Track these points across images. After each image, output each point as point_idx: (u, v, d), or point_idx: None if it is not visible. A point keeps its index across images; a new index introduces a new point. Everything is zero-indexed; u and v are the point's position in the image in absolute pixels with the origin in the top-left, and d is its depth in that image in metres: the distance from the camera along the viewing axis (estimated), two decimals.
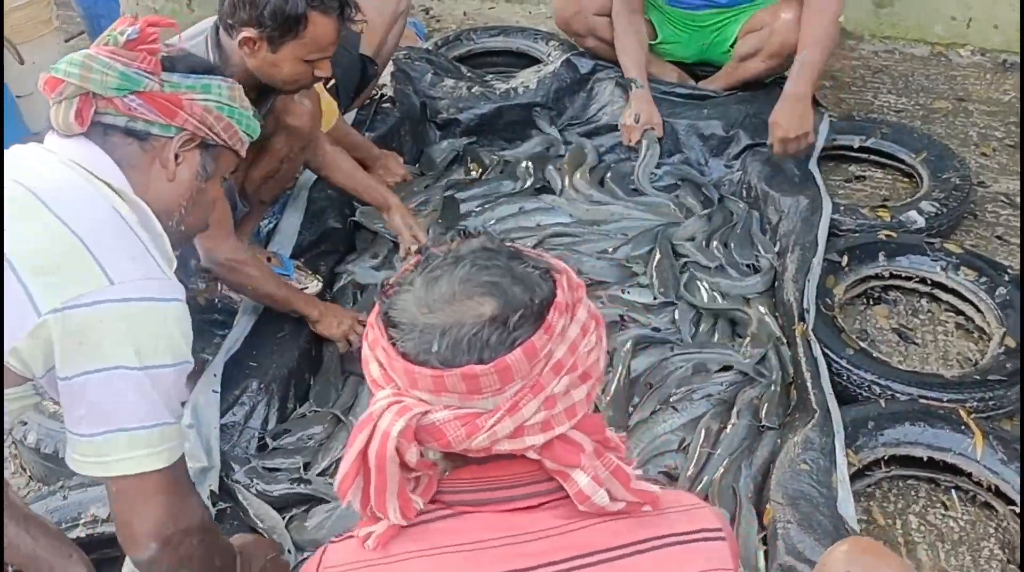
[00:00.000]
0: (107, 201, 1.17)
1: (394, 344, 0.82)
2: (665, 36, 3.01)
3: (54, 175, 1.17)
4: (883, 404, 1.87)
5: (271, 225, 2.36)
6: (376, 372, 0.84)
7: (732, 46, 2.94)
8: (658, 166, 2.73)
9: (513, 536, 0.83)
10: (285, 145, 2.10)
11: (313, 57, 1.83)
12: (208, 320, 2.17)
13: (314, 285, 2.19)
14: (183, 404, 1.34)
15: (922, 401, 1.87)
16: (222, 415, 1.83)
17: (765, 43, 2.76)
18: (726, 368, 2.04)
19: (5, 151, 1.22)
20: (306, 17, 1.75)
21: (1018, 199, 2.66)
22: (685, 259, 2.35)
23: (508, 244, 0.89)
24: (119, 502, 1.16)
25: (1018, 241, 2.51)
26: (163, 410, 1.14)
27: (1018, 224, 2.57)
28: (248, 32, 1.75)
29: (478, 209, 2.59)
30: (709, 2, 2.87)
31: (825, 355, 1.97)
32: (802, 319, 2.05)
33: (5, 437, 1.96)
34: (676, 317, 2.17)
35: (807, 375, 1.91)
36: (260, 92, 1.92)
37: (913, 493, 1.85)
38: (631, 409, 1.94)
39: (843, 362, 1.96)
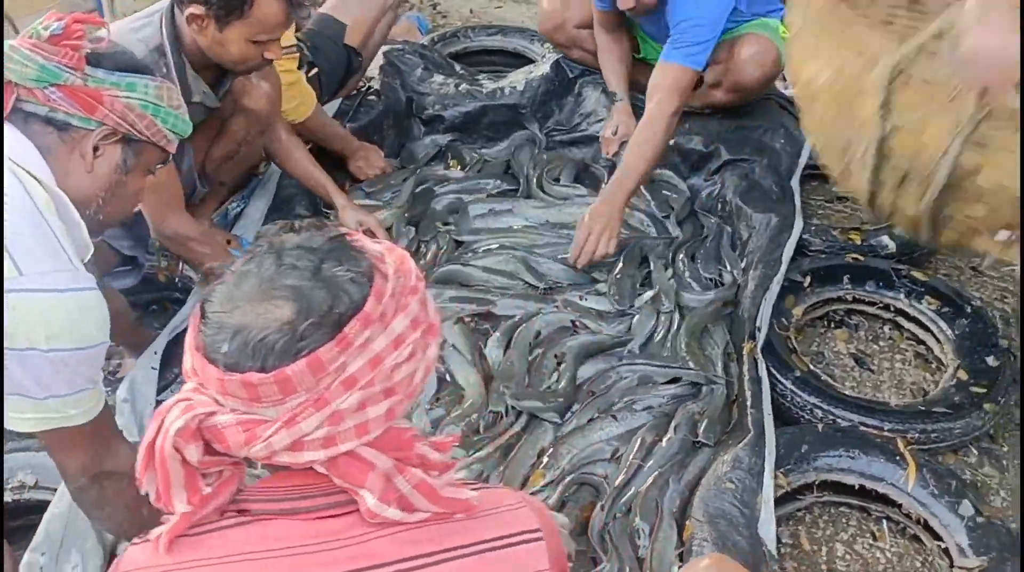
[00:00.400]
0: (23, 190, 1.21)
1: (199, 337, 0.81)
2: (647, 54, 2.99)
3: None
4: (820, 428, 1.85)
5: (239, 209, 2.38)
6: (187, 363, 0.82)
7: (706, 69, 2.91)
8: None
9: (304, 545, 0.81)
10: (243, 128, 2.12)
11: (260, 38, 1.85)
12: (168, 298, 2.21)
13: None
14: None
15: (861, 428, 1.85)
16: (159, 392, 1.86)
17: (723, 78, 2.70)
18: (674, 380, 2.03)
19: None
20: None
21: None
22: (647, 270, 2.33)
23: (342, 238, 0.86)
24: (50, 448, 1.29)
25: (993, 275, 2.48)
26: (78, 380, 1.21)
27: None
28: (195, 9, 1.78)
29: (450, 206, 2.59)
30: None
31: (771, 375, 1.96)
32: (752, 337, 2.03)
33: None
34: (631, 326, 2.16)
35: (748, 394, 1.90)
36: (217, 71, 1.94)
37: (844, 521, 1.84)
38: (569, 415, 1.94)
39: (787, 384, 1.95)
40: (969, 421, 1.88)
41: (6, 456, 1.69)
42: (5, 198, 1.19)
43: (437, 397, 1.98)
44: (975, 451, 1.96)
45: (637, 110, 2.81)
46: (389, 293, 0.82)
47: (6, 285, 1.14)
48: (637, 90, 2.89)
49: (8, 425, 1.22)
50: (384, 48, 3.02)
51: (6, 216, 1.17)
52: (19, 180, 1.21)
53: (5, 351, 1.15)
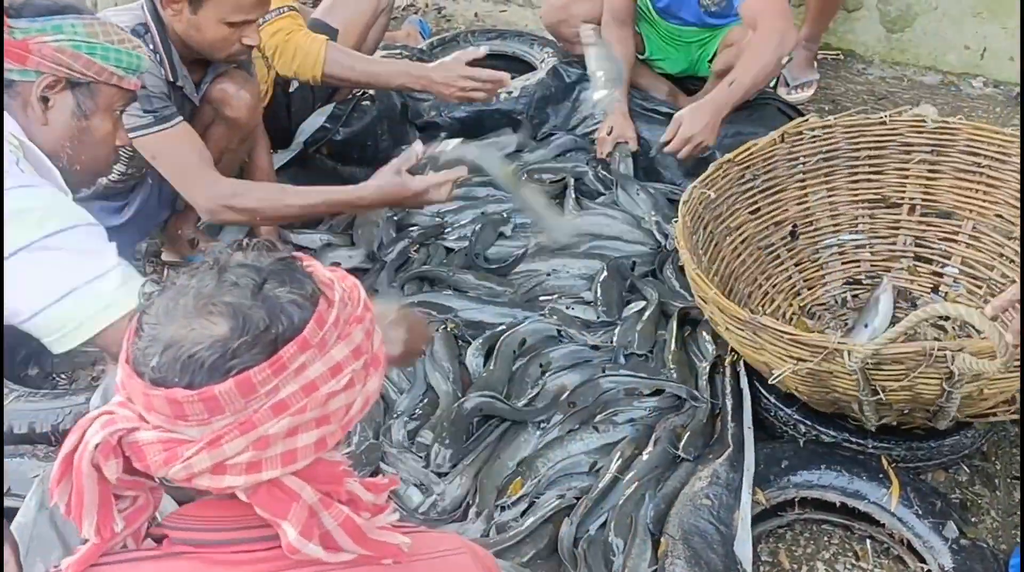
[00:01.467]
0: None
1: (130, 348, 0.79)
2: (653, 51, 2.96)
3: None
4: (801, 443, 1.81)
5: None
6: (118, 375, 0.80)
7: (711, 60, 2.88)
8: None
9: None
10: (224, 137, 2.12)
11: (234, 19, 1.84)
12: None
13: None
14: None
15: (845, 445, 1.81)
16: None
17: (734, 61, 2.68)
18: (658, 392, 2.00)
19: None
20: None
21: None
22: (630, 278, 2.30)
23: (291, 260, 0.84)
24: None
25: None
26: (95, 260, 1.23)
27: None
28: None
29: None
30: (698, 20, 2.81)
31: (754, 389, 1.92)
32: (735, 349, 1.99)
33: None
34: (617, 337, 2.13)
35: (728, 406, 1.86)
36: (201, 69, 1.94)
37: (826, 539, 1.79)
38: (548, 425, 1.91)
39: (771, 397, 1.90)
40: (959, 439, 1.82)
41: None
42: None
43: (416, 408, 1.97)
44: (966, 469, 1.90)
45: (634, 113, 2.79)
46: (332, 320, 0.80)
47: None
48: (637, 91, 2.89)
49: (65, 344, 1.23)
50: (380, 52, 3.01)
51: None
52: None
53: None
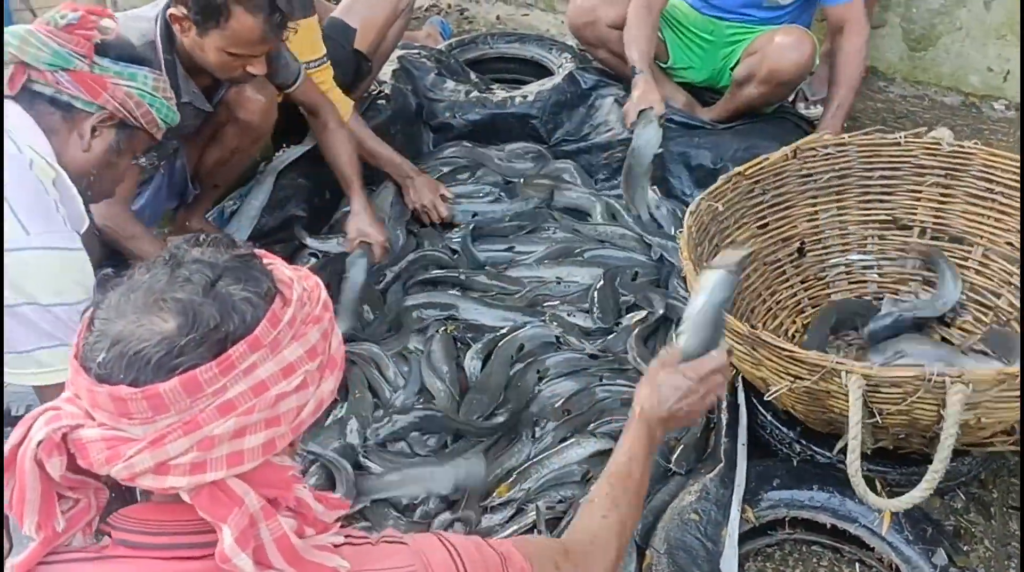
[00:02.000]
0: (27, 163, 1.34)
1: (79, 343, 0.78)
2: (676, 60, 2.95)
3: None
4: (795, 463, 1.80)
5: (236, 206, 2.39)
6: (69, 370, 0.79)
7: (734, 67, 2.87)
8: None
9: None
10: (235, 138, 2.14)
11: (237, 51, 1.86)
12: None
13: None
14: None
15: (839, 466, 1.79)
16: None
17: (757, 68, 2.67)
18: None
19: None
20: (228, 9, 1.79)
21: None
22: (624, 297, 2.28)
23: (249, 257, 0.83)
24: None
25: None
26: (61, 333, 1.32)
27: None
28: (176, 10, 1.81)
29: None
30: (742, 14, 2.79)
31: (751, 405, 1.90)
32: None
33: None
34: (615, 345, 2.12)
35: (723, 421, 1.85)
36: (212, 77, 1.95)
37: (815, 560, 1.78)
38: (541, 433, 1.91)
39: (768, 415, 1.89)
40: (955, 466, 1.80)
41: None
42: (6, 171, 1.30)
43: (412, 406, 1.97)
44: (962, 496, 1.88)
45: None
46: (287, 319, 0.79)
47: (15, 244, 1.27)
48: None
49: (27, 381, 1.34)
50: (399, 52, 3.02)
51: (10, 185, 1.29)
52: (21, 153, 1.34)
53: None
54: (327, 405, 0.85)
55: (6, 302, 1.27)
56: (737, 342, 1.63)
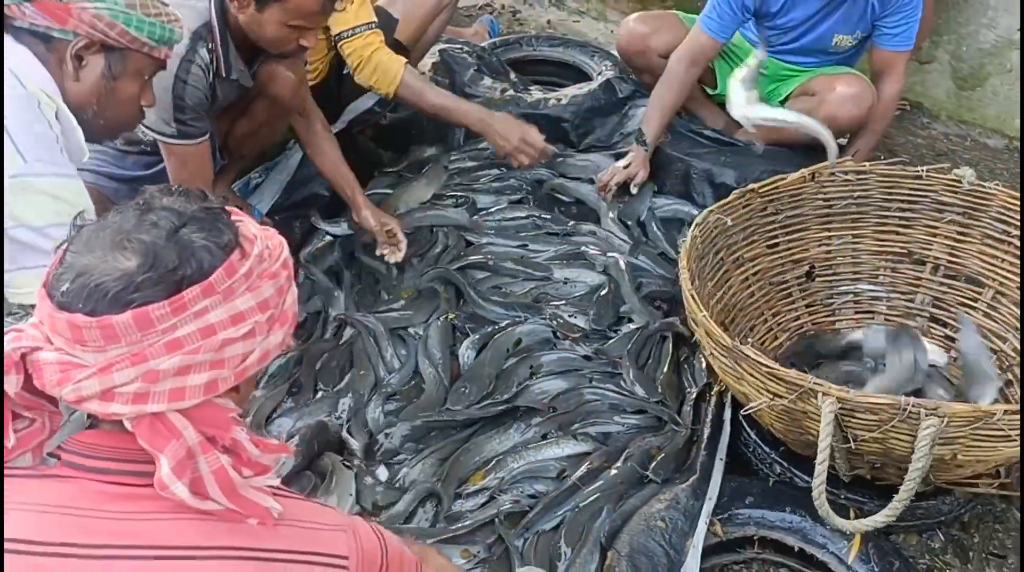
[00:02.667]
0: (27, 94, 1.36)
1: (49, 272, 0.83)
2: (723, 89, 2.93)
3: None
4: (770, 483, 1.79)
5: (261, 180, 2.46)
6: (36, 297, 0.84)
7: (782, 103, 2.86)
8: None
9: (91, 510, 0.81)
10: (265, 111, 2.19)
11: (296, 23, 1.90)
12: None
13: None
14: None
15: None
16: None
17: (813, 111, 2.64)
18: (641, 410, 1.99)
19: None
20: None
21: None
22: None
23: (217, 210, 0.87)
24: None
25: None
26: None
27: None
28: None
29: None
30: (810, 58, 2.76)
31: (737, 422, 1.90)
32: None
33: None
34: (610, 350, 2.13)
35: (704, 434, 1.85)
36: (253, 51, 2.01)
37: None
38: (525, 427, 1.92)
39: (752, 433, 1.88)
40: (935, 504, 1.78)
41: None
42: (13, 107, 1.33)
43: (398, 390, 2.01)
44: (941, 536, 1.85)
45: (681, 135, 2.79)
46: (243, 271, 0.83)
47: (12, 171, 1.30)
48: (693, 124, 2.87)
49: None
50: (441, 45, 3.06)
51: (14, 118, 1.32)
52: (22, 84, 1.36)
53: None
54: (274, 356, 0.89)
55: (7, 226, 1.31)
56: (721, 355, 1.63)
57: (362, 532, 0.93)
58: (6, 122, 1.32)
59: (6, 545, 0.79)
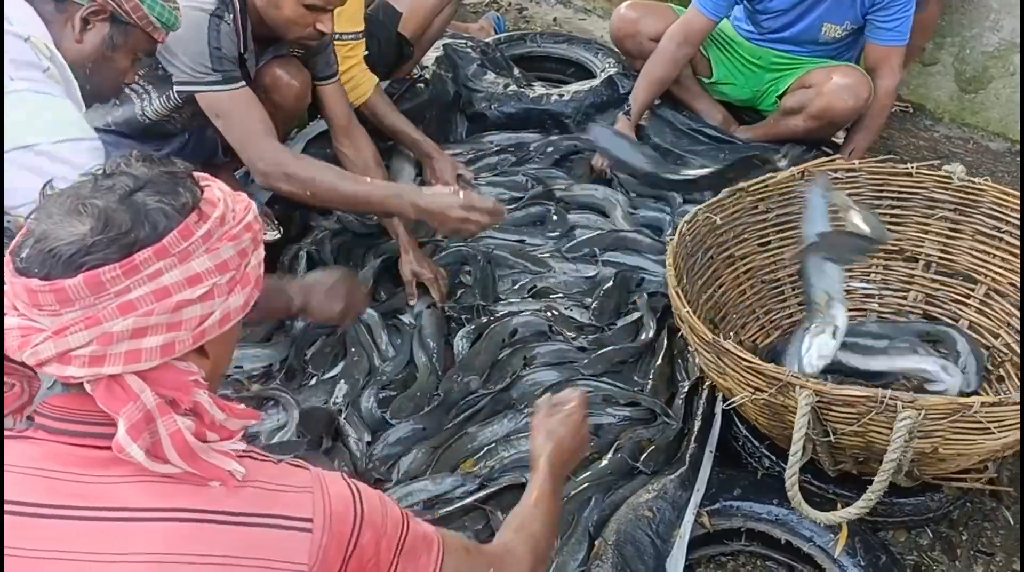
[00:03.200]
0: (29, 46, 1.41)
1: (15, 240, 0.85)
2: (720, 75, 2.96)
3: None
4: (759, 475, 1.81)
5: None
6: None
7: (781, 98, 2.88)
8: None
9: (63, 472, 0.83)
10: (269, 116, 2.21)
11: (314, 2, 1.92)
12: None
13: (271, 234, 2.30)
14: None
15: (804, 485, 1.78)
16: None
17: (810, 103, 2.71)
18: (633, 403, 2.01)
19: None
20: None
21: None
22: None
23: (177, 173, 0.88)
24: None
25: None
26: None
27: None
28: None
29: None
30: (796, 46, 2.80)
31: (728, 415, 1.91)
32: None
33: None
34: (605, 343, 2.15)
35: (695, 427, 1.87)
36: (266, 44, 2.03)
37: None
38: (515, 414, 1.95)
39: (743, 427, 1.90)
40: (923, 500, 1.79)
41: None
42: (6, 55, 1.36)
43: (392, 379, 2.04)
44: (929, 533, 1.86)
45: (681, 133, 2.82)
46: (201, 233, 0.84)
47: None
48: (692, 122, 2.91)
49: None
50: (445, 40, 3.09)
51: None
52: (18, 35, 1.40)
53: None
54: (236, 319, 0.90)
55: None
56: (705, 350, 1.65)
57: (333, 492, 0.91)
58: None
59: None
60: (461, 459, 1.85)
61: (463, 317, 2.20)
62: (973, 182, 2.00)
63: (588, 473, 1.81)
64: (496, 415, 1.96)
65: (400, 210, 1.98)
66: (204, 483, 0.84)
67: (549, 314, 2.20)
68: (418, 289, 2.24)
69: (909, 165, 2.06)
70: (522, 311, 2.20)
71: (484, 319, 2.19)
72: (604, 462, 1.84)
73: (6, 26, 1.40)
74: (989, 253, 2.02)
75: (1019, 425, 1.45)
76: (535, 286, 2.33)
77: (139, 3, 1.50)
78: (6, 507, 0.81)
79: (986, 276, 2.04)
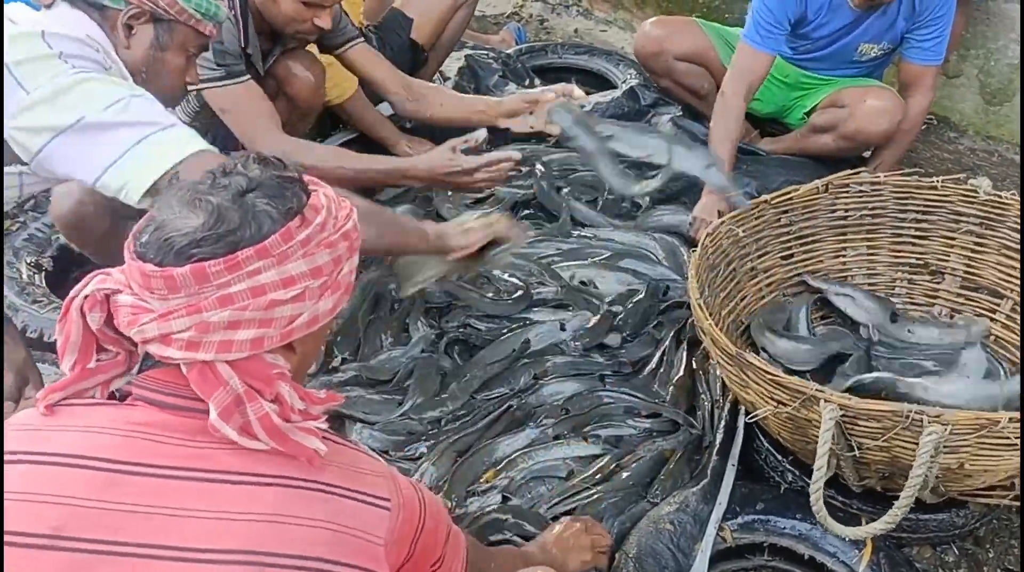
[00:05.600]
0: (101, 53, 1.45)
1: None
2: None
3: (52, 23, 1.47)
4: (781, 489, 1.80)
5: None
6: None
7: (808, 114, 2.86)
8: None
9: (154, 433, 0.88)
10: (284, 113, 2.23)
11: (312, 0, 1.94)
12: None
13: None
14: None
15: (828, 500, 1.76)
16: None
17: (842, 123, 2.68)
18: (655, 415, 2.00)
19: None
20: None
21: None
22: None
23: (291, 177, 0.94)
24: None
25: None
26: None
27: None
28: None
29: None
30: (828, 66, 2.78)
31: (750, 429, 1.89)
32: None
33: None
34: (628, 353, 2.14)
35: (717, 440, 1.86)
36: (270, 41, 2.05)
37: None
38: (533, 425, 1.94)
39: (765, 441, 1.89)
40: (949, 517, 1.77)
41: None
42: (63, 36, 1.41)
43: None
44: (955, 550, 1.84)
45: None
46: (301, 238, 0.90)
47: (60, 78, 1.36)
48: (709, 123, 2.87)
49: (135, 192, 1.38)
50: (467, 51, 3.11)
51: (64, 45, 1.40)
52: (92, 47, 1.45)
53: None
54: (324, 322, 0.95)
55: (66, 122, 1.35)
56: (727, 363, 1.64)
57: (402, 483, 1.00)
58: (50, 44, 1.39)
59: (77, 462, 0.85)
60: (482, 470, 1.85)
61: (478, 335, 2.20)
62: (999, 196, 1.98)
63: (608, 484, 1.80)
64: (518, 427, 1.95)
65: (406, 174, 2.11)
66: (293, 458, 0.90)
67: (567, 325, 2.18)
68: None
69: (934, 178, 2.05)
70: (534, 322, 2.20)
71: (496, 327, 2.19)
72: (624, 474, 1.83)
73: (57, 28, 1.43)
74: (1015, 268, 2.00)
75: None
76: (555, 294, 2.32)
77: (174, 0, 1.52)
78: (116, 465, 0.86)
79: (1013, 291, 2.02)
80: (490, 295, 2.25)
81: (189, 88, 1.97)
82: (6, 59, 1.37)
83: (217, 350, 0.87)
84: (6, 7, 1.49)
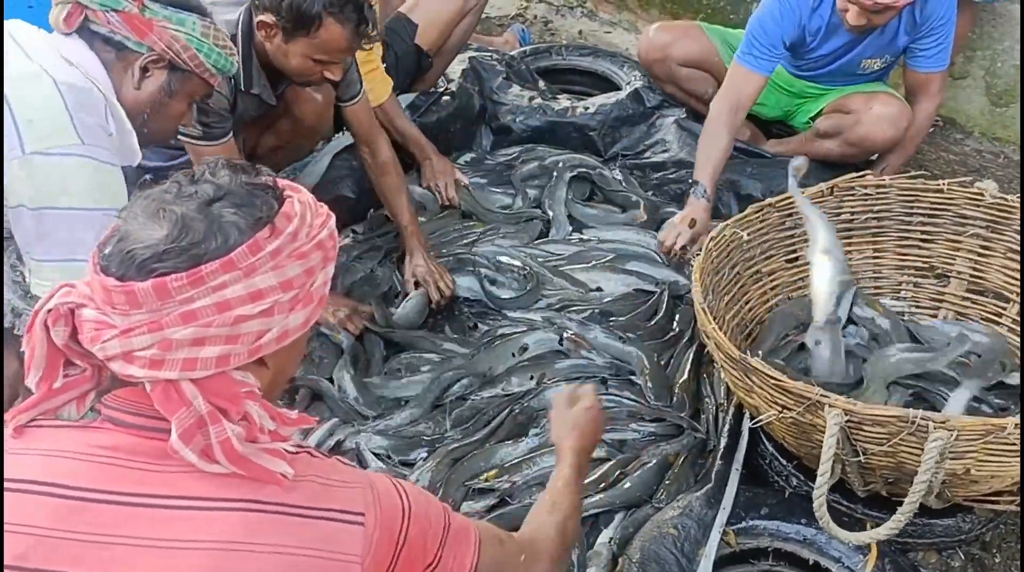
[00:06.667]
0: (95, 94, 1.48)
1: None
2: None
3: (59, 63, 1.48)
4: (786, 494, 1.79)
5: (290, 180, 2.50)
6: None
7: (814, 118, 2.85)
8: None
9: (127, 459, 0.85)
10: (289, 131, 2.24)
11: (321, 58, 1.94)
12: None
13: None
14: None
15: (833, 505, 1.76)
16: None
17: (848, 129, 2.66)
18: (658, 419, 2.00)
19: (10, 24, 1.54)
20: (320, 19, 1.86)
21: None
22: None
23: (262, 185, 0.88)
24: None
25: None
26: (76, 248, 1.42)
27: None
28: (265, 17, 1.89)
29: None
30: (838, 80, 2.76)
31: (755, 434, 1.89)
32: None
33: None
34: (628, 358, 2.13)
35: (722, 445, 1.85)
36: (278, 73, 2.05)
37: None
38: (537, 431, 1.94)
39: (769, 446, 1.88)
40: (955, 522, 1.76)
41: None
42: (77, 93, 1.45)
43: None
44: (961, 555, 1.83)
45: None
46: (269, 250, 0.85)
47: (67, 150, 1.42)
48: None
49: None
50: (471, 53, 3.10)
51: (74, 103, 1.44)
52: (95, 86, 1.48)
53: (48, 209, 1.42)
54: (296, 337, 0.90)
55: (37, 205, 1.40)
56: (731, 367, 1.64)
57: (381, 489, 0.94)
58: (66, 100, 1.43)
59: (41, 489, 0.83)
60: (483, 470, 1.84)
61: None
62: (1006, 199, 1.97)
63: (612, 489, 1.80)
64: (521, 433, 1.95)
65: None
66: (256, 481, 0.86)
67: (564, 331, 2.17)
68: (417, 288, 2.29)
69: (940, 181, 2.04)
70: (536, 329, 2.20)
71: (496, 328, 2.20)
72: (627, 479, 1.83)
73: (73, 69, 1.46)
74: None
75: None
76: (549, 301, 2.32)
77: (196, 52, 1.55)
78: (75, 492, 0.83)
79: (1019, 294, 2.00)
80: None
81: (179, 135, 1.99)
82: (15, 105, 1.40)
83: (181, 368, 0.83)
84: (8, 23, 1.52)
